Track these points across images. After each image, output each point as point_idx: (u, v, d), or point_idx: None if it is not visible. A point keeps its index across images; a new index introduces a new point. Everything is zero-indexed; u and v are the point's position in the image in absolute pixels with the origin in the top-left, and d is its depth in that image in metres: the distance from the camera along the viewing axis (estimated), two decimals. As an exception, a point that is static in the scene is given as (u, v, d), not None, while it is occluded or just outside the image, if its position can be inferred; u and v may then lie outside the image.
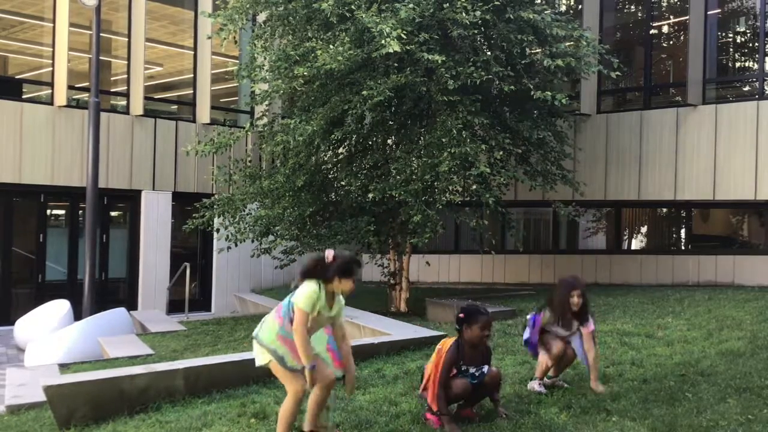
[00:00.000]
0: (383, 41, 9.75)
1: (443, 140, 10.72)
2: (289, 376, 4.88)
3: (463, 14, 10.31)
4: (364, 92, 10.52)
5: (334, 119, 11.24)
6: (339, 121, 11.26)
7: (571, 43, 11.81)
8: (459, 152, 10.45)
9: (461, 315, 5.32)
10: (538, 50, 11.61)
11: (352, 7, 10.47)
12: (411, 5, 10.28)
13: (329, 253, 4.81)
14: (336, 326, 5.04)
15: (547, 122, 12.59)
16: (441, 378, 5.20)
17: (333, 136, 11.24)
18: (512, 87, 11.01)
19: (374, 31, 9.91)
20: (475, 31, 10.80)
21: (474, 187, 11.30)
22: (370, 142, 12.55)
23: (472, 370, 5.32)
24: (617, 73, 11.82)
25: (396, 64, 10.96)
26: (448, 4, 10.49)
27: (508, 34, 11.12)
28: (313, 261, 4.85)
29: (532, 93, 10.99)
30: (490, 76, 10.89)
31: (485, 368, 5.36)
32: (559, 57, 11.01)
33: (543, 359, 6.17)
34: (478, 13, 10.39)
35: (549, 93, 10.81)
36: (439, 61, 10.18)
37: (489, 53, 11.29)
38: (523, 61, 11.39)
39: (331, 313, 4.87)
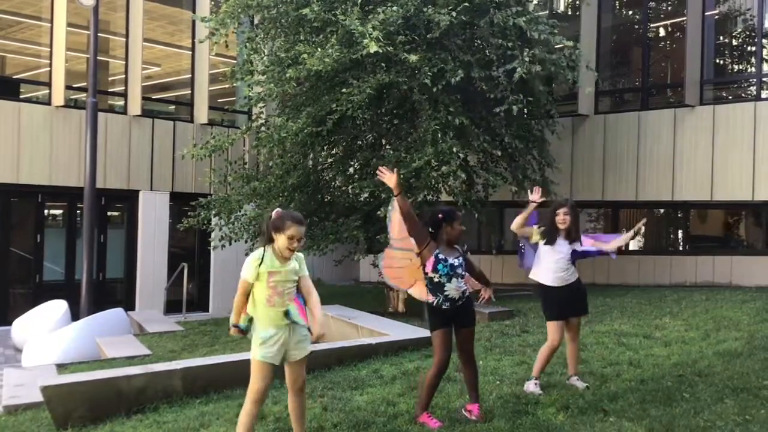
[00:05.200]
0: (364, 42, 9.92)
1: (427, 137, 10.85)
2: (255, 371, 4.76)
3: (440, 15, 10.43)
4: (344, 90, 10.64)
5: (322, 118, 11.28)
6: (327, 120, 11.30)
7: (559, 46, 11.80)
8: (434, 151, 10.57)
9: (440, 216, 5.54)
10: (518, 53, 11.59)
11: (337, 12, 10.57)
12: (394, 7, 10.41)
13: (275, 212, 4.80)
14: (302, 285, 4.88)
15: (526, 128, 12.62)
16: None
17: (310, 129, 11.25)
18: (484, 86, 11.08)
19: (356, 33, 10.07)
20: (444, 31, 10.80)
21: (450, 183, 11.39)
22: (360, 142, 12.60)
23: (450, 259, 5.42)
24: (589, 89, 11.94)
25: (383, 64, 11.01)
26: (427, 8, 10.61)
27: (489, 38, 11.19)
28: (262, 224, 4.90)
29: (509, 99, 11.00)
30: (471, 76, 10.95)
31: (461, 259, 5.50)
32: (536, 63, 11.03)
33: (542, 353, 6.25)
34: (454, 14, 10.49)
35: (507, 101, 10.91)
36: (412, 60, 10.28)
37: (475, 55, 11.35)
38: (498, 67, 11.38)
39: (287, 267, 4.75)
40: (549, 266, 6.20)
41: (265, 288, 4.70)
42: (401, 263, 5.53)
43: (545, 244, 6.21)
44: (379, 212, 10.95)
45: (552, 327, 6.22)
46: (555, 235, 6.19)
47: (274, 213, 4.79)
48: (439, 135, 10.75)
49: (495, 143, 11.98)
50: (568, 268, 6.22)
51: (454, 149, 10.75)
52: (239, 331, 4.80)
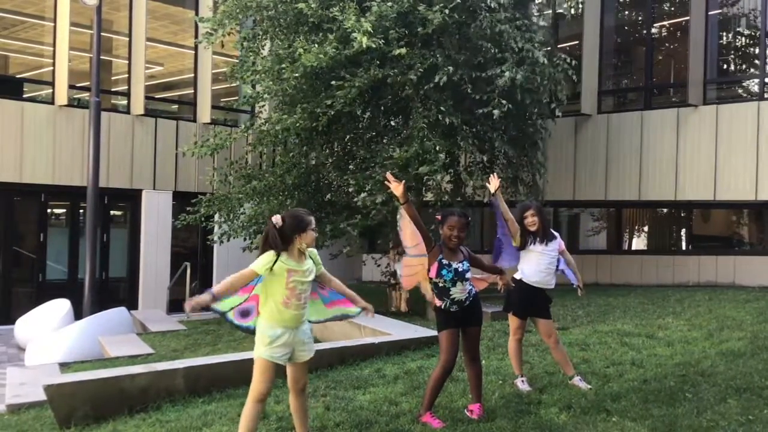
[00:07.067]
0: (356, 37, 10.00)
1: (414, 134, 10.92)
2: (259, 370, 4.73)
3: (433, 14, 10.50)
4: (333, 83, 10.72)
5: (317, 114, 11.31)
6: (321, 115, 11.33)
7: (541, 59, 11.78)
8: (418, 148, 10.67)
9: (438, 217, 5.59)
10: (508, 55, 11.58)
11: (334, 10, 10.62)
12: (389, 2, 10.48)
13: (277, 219, 4.70)
14: (324, 280, 4.99)
15: (521, 129, 12.63)
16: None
17: (305, 124, 11.29)
18: (470, 89, 11.14)
19: (348, 29, 10.14)
20: (437, 29, 10.83)
21: (432, 183, 11.41)
22: (360, 142, 12.64)
23: (454, 264, 5.41)
24: (559, 112, 12.10)
25: (377, 61, 11.05)
26: (421, 6, 10.68)
27: (478, 40, 11.22)
28: (264, 235, 4.71)
29: (494, 101, 11.03)
30: (461, 76, 10.98)
31: (466, 263, 5.47)
32: (520, 72, 11.05)
33: (510, 349, 6.45)
34: (446, 11, 10.54)
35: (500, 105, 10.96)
36: (400, 53, 10.34)
37: (466, 55, 11.38)
38: (487, 70, 11.40)
39: (304, 267, 4.73)
40: (536, 266, 6.23)
41: (283, 289, 4.66)
42: (417, 269, 5.53)
43: (519, 249, 6.26)
44: (356, 200, 11.06)
45: (511, 320, 6.41)
46: (527, 238, 6.22)
47: (279, 219, 4.68)
48: (426, 132, 10.79)
49: (483, 146, 12.04)
50: (552, 272, 6.27)
51: (437, 147, 10.78)
52: (210, 308, 4.58)
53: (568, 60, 12.19)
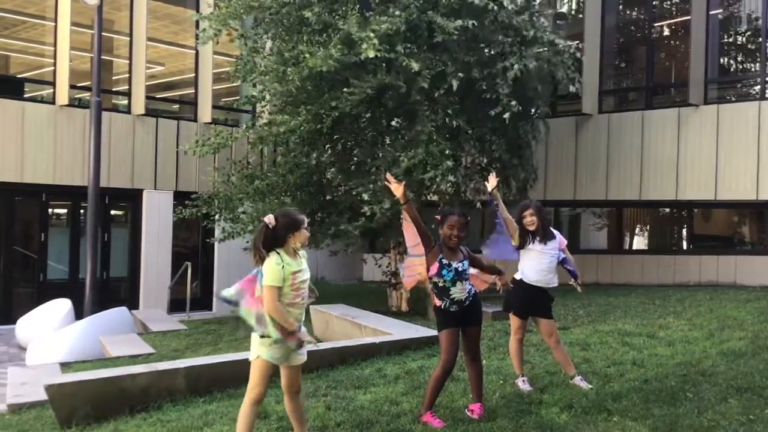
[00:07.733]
0: (362, 47, 10.06)
1: (421, 138, 10.93)
2: (259, 371, 4.71)
3: (447, 22, 10.50)
4: (345, 90, 10.76)
5: (322, 116, 11.32)
6: (325, 117, 11.34)
7: (557, 40, 11.81)
8: (425, 152, 10.66)
9: (437, 217, 5.60)
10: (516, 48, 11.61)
11: (336, 16, 10.62)
12: (397, 12, 10.48)
13: (269, 218, 4.67)
14: None
15: (516, 132, 12.64)
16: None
17: (309, 126, 11.30)
18: (485, 86, 11.11)
19: (355, 38, 10.19)
20: (456, 34, 10.85)
21: (435, 188, 11.46)
22: (362, 144, 12.65)
23: (454, 264, 5.41)
24: (575, 87, 12.09)
25: (384, 65, 11.05)
26: (429, 12, 10.69)
27: (490, 35, 11.22)
28: (259, 236, 4.67)
29: (503, 101, 11.02)
30: (472, 77, 10.97)
31: (466, 262, 5.49)
32: (532, 60, 11.04)
33: (511, 348, 6.43)
34: (459, 22, 10.55)
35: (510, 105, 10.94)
36: (414, 68, 10.36)
37: (474, 55, 11.38)
38: (497, 63, 11.40)
39: (303, 265, 4.75)
40: (536, 266, 6.23)
41: (290, 291, 4.66)
42: (419, 269, 5.53)
43: (518, 248, 6.25)
44: (364, 210, 11.10)
45: (512, 319, 6.41)
46: (526, 238, 6.22)
47: (272, 218, 4.67)
48: (434, 136, 10.78)
49: (483, 147, 12.05)
50: (553, 270, 6.27)
51: (447, 152, 10.78)
52: (291, 335, 4.66)
53: (574, 46, 12.24)
